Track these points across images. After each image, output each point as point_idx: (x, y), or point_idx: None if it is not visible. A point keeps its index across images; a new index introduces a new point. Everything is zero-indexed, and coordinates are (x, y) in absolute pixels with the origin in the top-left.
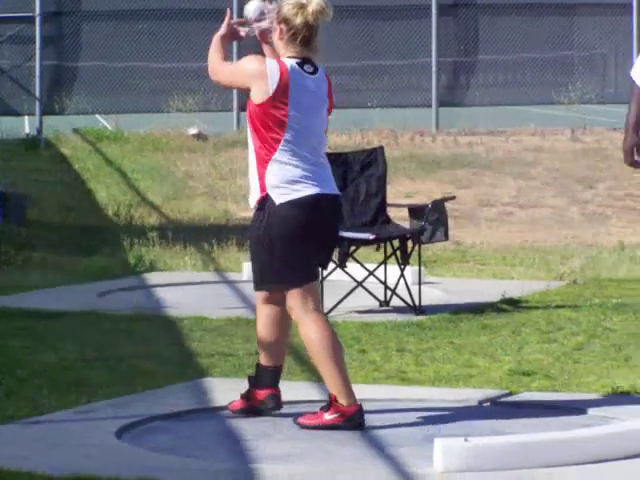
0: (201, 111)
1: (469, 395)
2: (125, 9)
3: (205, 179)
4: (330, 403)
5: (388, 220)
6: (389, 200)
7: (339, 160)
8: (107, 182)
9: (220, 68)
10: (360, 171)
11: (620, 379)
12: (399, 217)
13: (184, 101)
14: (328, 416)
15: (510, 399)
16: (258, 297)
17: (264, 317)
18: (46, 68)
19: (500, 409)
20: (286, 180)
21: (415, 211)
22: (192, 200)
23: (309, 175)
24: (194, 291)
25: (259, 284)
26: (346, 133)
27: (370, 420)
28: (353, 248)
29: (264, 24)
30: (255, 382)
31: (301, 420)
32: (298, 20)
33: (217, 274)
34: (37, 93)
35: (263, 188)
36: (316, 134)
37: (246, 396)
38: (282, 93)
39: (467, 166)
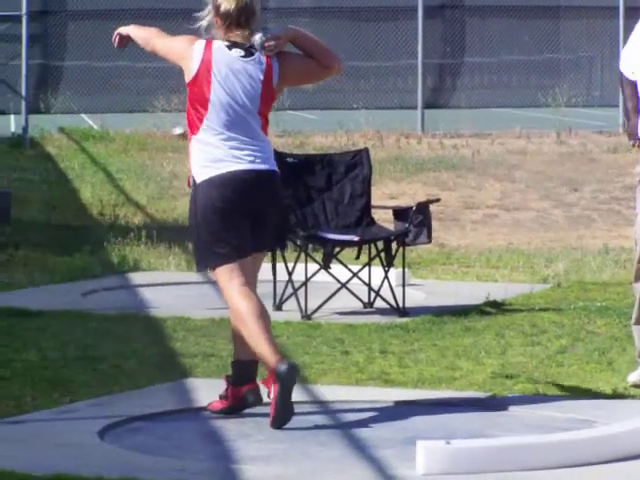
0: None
1: (452, 397)
2: (110, 8)
3: None
4: (267, 385)
5: (373, 222)
6: (374, 202)
7: (324, 161)
8: (92, 181)
9: (154, 42)
10: (345, 172)
11: (603, 383)
12: (384, 219)
13: (169, 101)
14: (272, 394)
15: (493, 402)
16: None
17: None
18: (32, 67)
19: (483, 412)
20: (206, 159)
21: (399, 213)
22: (177, 200)
23: (232, 153)
24: (177, 291)
25: (197, 265)
26: (331, 134)
27: (352, 422)
28: (337, 249)
29: (204, 23)
30: (233, 380)
31: (270, 422)
32: (223, 7)
33: (201, 274)
34: (23, 92)
35: (190, 167)
36: (239, 117)
37: (225, 396)
38: (205, 70)
39: (452, 168)
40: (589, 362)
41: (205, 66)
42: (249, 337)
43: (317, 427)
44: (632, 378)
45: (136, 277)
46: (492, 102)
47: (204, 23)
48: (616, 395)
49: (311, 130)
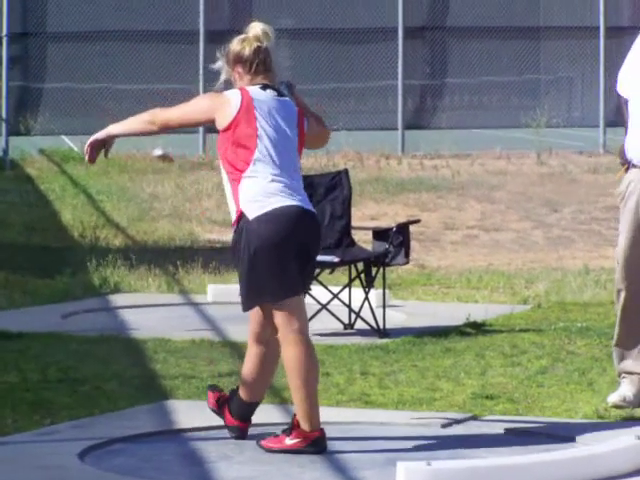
0: (166, 133)
1: (432, 418)
2: (89, 30)
3: (170, 201)
4: (292, 427)
5: (353, 243)
6: (354, 223)
7: (304, 183)
8: (73, 203)
9: (166, 114)
10: (325, 194)
11: (583, 403)
12: (364, 240)
13: None
14: (289, 440)
15: (473, 423)
16: (250, 335)
17: (252, 356)
18: (12, 89)
19: (463, 433)
20: (259, 194)
21: (380, 234)
22: (157, 222)
23: (282, 188)
24: (158, 313)
25: (244, 303)
26: (312, 155)
27: (332, 443)
28: (318, 271)
29: (222, 77)
30: (229, 406)
31: (263, 443)
32: (247, 51)
33: (181, 296)
34: (3, 114)
35: (238, 207)
36: (286, 152)
37: (221, 404)
38: (247, 109)
39: (432, 189)
40: (569, 383)
41: (246, 104)
42: (294, 391)
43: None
44: (612, 399)
45: (117, 299)
46: (472, 123)
47: (222, 78)
48: (596, 416)
49: None
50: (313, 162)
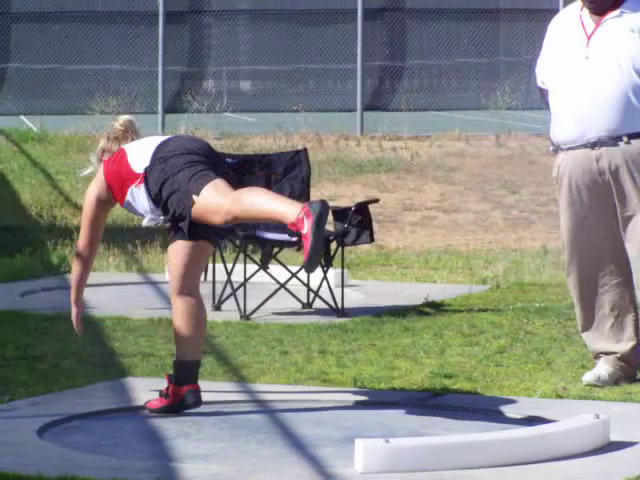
0: (125, 113)
1: (390, 397)
2: (51, 11)
3: None
4: (298, 224)
5: None
6: None
7: (263, 161)
8: (31, 183)
9: (81, 238)
10: (284, 172)
11: (542, 382)
12: None
13: (107, 103)
14: (307, 228)
15: (431, 401)
16: (173, 291)
17: (180, 310)
18: None
19: (421, 411)
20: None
21: (338, 214)
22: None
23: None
24: (117, 292)
25: (186, 211)
26: (270, 136)
27: (291, 421)
28: (276, 250)
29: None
30: (174, 378)
31: (308, 255)
32: (111, 141)
33: (140, 275)
34: None
35: (139, 174)
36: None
37: (165, 394)
38: (112, 159)
39: (391, 170)
40: (527, 362)
41: (111, 158)
42: (262, 207)
43: (256, 426)
44: (587, 377)
45: None
46: (432, 105)
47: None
48: (555, 395)
49: (250, 132)
50: (272, 143)
